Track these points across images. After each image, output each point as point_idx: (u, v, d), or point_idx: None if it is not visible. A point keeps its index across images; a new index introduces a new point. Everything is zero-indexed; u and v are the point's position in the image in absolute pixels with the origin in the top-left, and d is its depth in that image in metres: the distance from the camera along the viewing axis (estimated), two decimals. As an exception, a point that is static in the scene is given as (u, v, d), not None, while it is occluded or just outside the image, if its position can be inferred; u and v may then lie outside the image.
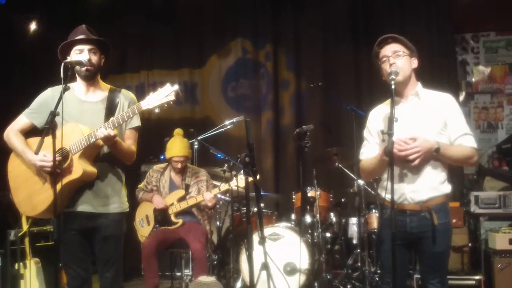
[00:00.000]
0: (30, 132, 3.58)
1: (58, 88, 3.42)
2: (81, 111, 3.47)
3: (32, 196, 3.47)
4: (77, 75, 3.50)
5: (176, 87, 3.22)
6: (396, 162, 3.05)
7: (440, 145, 3.05)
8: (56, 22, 7.43)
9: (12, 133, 3.53)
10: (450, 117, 3.17)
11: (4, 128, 3.60)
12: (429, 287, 3.20)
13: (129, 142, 3.54)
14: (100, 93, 3.56)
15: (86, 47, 3.43)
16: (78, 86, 3.55)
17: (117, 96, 3.54)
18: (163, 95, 3.22)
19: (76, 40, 3.44)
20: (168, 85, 3.23)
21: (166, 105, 3.24)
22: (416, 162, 3.03)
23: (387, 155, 2.98)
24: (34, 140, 3.41)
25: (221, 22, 7.58)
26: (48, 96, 3.53)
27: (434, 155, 3.07)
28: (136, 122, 3.58)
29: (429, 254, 3.17)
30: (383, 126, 3.19)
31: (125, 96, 3.57)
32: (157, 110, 3.30)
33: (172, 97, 3.21)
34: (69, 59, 3.42)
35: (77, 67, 3.43)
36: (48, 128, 3.10)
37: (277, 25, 7.39)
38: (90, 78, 3.49)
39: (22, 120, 3.56)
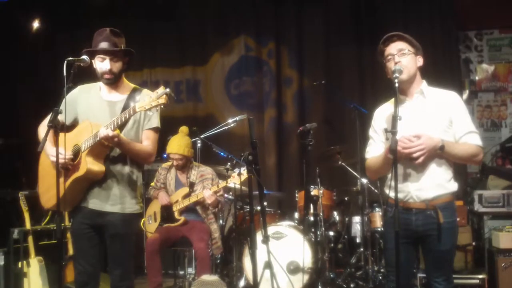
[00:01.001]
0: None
1: (86, 87, 3.56)
2: (101, 110, 3.53)
3: (49, 189, 3.53)
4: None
5: (167, 90, 3.21)
6: (401, 161, 3.05)
7: (445, 143, 3.05)
8: (58, 20, 7.44)
9: (42, 128, 3.62)
10: (455, 115, 3.16)
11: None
12: (435, 285, 3.19)
13: (147, 143, 3.54)
14: (122, 93, 3.59)
15: (107, 56, 3.46)
16: (103, 85, 3.60)
17: (137, 95, 3.55)
18: (156, 97, 3.22)
19: (97, 50, 3.47)
20: (160, 88, 3.23)
21: (158, 108, 3.25)
22: (420, 159, 3.02)
23: (392, 153, 2.99)
24: (61, 136, 3.44)
25: (223, 20, 7.57)
26: (75, 94, 3.58)
27: (438, 153, 3.06)
28: (154, 122, 3.58)
29: (435, 252, 3.16)
30: (387, 124, 3.18)
31: (145, 95, 3.52)
32: (150, 113, 3.34)
33: (163, 100, 3.21)
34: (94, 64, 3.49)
35: (99, 74, 3.50)
36: (51, 125, 3.14)
37: (280, 22, 7.37)
38: (112, 84, 3.55)
39: None
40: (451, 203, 3.19)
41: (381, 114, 3.36)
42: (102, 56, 3.46)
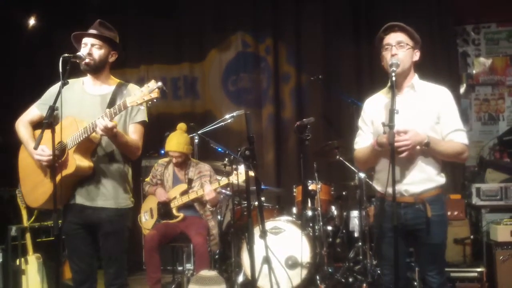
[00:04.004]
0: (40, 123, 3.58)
1: (70, 81, 3.44)
2: (83, 104, 3.47)
3: (36, 188, 3.50)
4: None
5: (159, 84, 3.16)
6: (387, 156, 3.01)
7: (431, 139, 3.03)
8: (55, 17, 7.42)
9: (22, 124, 3.58)
10: (444, 111, 3.14)
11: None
12: (428, 279, 3.20)
13: (135, 136, 3.49)
14: (107, 87, 3.55)
15: (89, 41, 3.45)
16: (87, 80, 3.57)
17: (122, 90, 3.51)
18: (147, 92, 3.18)
19: (81, 34, 3.47)
20: (152, 82, 3.19)
21: (150, 102, 3.21)
22: (404, 154, 2.99)
23: (380, 145, 3.01)
24: (48, 133, 3.41)
25: (221, 16, 7.55)
26: (57, 88, 3.49)
27: (423, 149, 3.05)
28: (142, 116, 3.54)
29: (425, 246, 3.17)
30: (377, 115, 3.20)
31: (131, 90, 3.51)
32: (141, 107, 3.32)
33: (155, 95, 3.17)
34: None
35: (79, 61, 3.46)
36: (47, 122, 3.10)
37: (278, 18, 7.36)
38: (92, 72, 3.50)
39: (33, 111, 3.60)
40: (440, 196, 3.19)
41: (371, 104, 3.35)
42: (85, 41, 3.46)
